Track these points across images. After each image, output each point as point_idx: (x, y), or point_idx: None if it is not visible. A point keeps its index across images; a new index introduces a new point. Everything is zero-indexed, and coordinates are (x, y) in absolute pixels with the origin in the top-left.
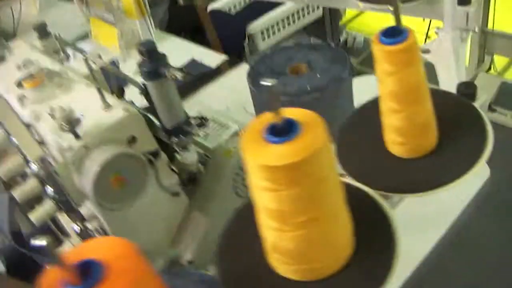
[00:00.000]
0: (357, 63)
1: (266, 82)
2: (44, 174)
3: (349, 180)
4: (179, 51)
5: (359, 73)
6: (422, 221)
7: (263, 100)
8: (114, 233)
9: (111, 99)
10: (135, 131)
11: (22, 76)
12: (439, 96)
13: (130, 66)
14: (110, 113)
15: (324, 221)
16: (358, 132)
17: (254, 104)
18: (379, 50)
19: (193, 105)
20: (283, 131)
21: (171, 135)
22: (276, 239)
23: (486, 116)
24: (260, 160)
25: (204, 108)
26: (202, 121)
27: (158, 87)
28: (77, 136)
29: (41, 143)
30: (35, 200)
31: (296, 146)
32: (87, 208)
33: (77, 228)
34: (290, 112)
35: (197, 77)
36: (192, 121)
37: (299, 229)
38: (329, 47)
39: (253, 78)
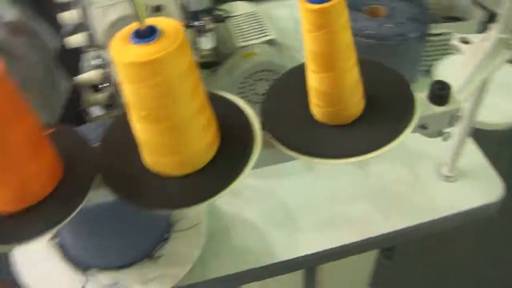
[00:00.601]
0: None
1: None
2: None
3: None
4: None
5: None
6: (399, 205)
7: None
8: None
9: None
10: (163, 2)
11: None
12: (373, 68)
13: None
14: None
15: (166, 117)
16: (289, 91)
17: None
18: (301, 7)
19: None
20: (145, 36)
21: (191, 18)
22: (134, 131)
23: (418, 96)
24: (114, 54)
25: (288, 9)
26: (221, 16)
27: None
28: None
29: None
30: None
31: (146, 49)
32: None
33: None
34: (158, 21)
35: None
36: (214, 13)
37: (145, 123)
38: (420, 3)
39: None
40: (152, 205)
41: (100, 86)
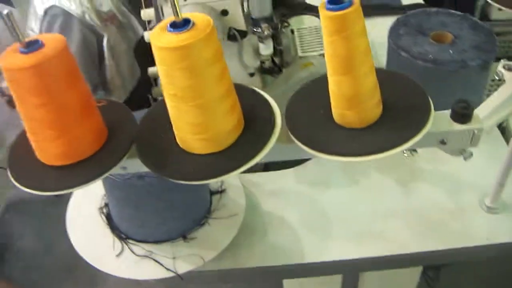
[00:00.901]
0: None
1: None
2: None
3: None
4: None
5: None
6: (435, 228)
7: (395, 56)
8: None
9: None
10: (229, 7)
11: None
12: (394, 78)
13: None
14: None
15: (192, 97)
16: (316, 94)
17: (388, 54)
18: (321, 13)
19: None
20: (178, 26)
21: (253, 24)
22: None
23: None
24: (152, 40)
25: None
26: (278, 25)
27: None
28: None
29: None
30: None
31: (178, 37)
32: None
33: None
34: (192, 16)
35: (378, 6)
36: (274, 22)
37: (174, 101)
38: (487, 32)
39: (393, 30)
40: (173, 176)
41: None
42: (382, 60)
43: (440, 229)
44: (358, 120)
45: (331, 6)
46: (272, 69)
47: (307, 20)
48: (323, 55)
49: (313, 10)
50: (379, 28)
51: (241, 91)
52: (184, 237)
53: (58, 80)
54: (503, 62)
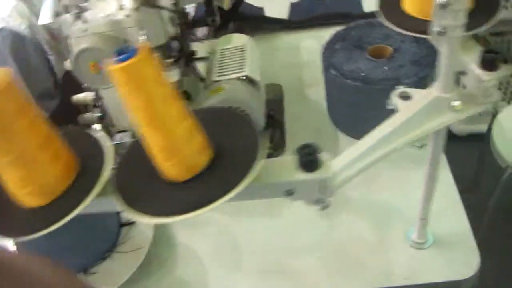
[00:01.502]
0: None
1: None
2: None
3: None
4: None
5: None
6: (351, 266)
7: (327, 74)
8: (107, 103)
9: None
10: (127, 37)
11: None
12: (229, 118)
13: None
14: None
15: (8, 154)
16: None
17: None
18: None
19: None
20: None
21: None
22: None
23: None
24: None
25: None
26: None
27: None
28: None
29: None
30: None
31: None
32: None
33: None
34: None
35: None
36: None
37: None
38: (430, 45)
39: (328, 45)
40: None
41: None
42: None
43: (356, 267)
44: (179, 172)
45: (116, 58)
46: (187, 94)
47: (236, 39)
48: (237, 78)
49: (271, 22)
50: None
51: (78, 136)
52: (85, 272)
53: None
54: (398, 90)
